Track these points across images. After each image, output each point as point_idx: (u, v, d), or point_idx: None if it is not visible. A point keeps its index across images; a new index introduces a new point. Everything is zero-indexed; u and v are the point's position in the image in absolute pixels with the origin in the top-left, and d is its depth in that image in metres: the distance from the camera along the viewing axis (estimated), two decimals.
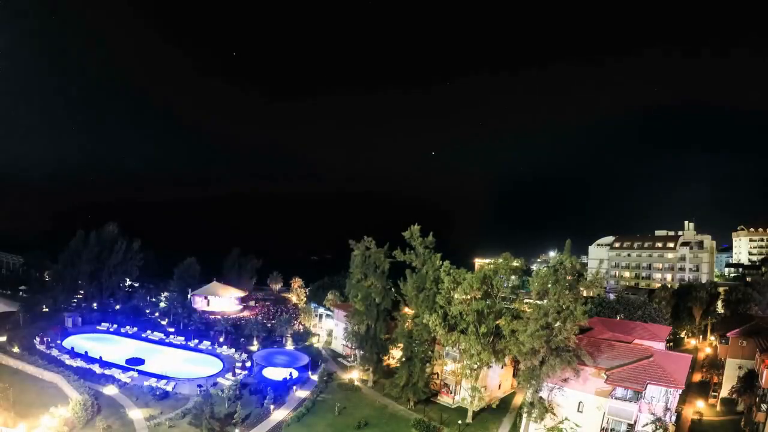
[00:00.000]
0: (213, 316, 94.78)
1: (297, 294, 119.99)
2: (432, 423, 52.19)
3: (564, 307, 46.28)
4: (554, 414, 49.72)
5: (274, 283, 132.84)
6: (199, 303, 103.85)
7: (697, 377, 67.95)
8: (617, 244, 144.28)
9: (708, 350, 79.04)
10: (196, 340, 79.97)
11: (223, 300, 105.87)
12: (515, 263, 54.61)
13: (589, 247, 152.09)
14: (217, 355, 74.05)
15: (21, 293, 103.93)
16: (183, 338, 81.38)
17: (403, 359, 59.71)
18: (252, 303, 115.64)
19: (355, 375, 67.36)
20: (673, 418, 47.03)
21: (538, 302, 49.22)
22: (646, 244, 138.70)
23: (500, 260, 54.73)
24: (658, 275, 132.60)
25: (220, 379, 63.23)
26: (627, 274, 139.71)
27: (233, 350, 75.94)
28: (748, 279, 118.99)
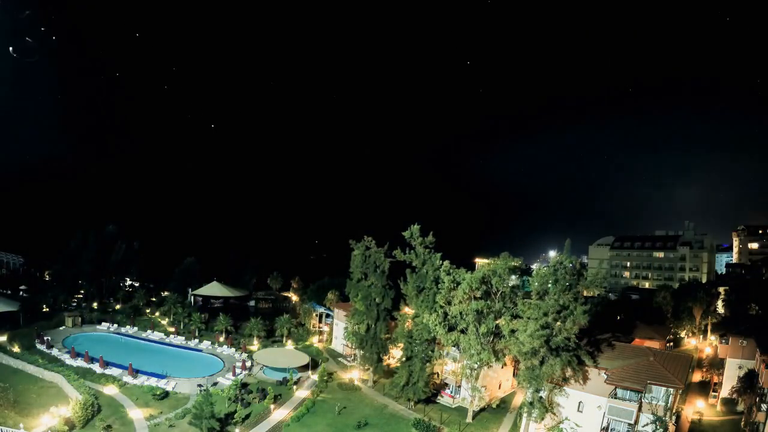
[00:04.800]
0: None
1: (295, 293, 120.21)
2: (432, 423, 52.16)
3: (564, 306, 46.31)
4: (554, 414, 49.78)
5: (275, 282, 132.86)
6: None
7: (697, 377, 67.94)
8: (617, 244, 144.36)
9: (708, 350, 78.99)
10: (196, 340, 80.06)
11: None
12: (514, 263, 54.49)
13: (589, 247, 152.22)
14: (217, 355, 74.10)
15: (21, 293, 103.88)
16: (183, 338, 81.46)
17: (404, 359, 59.71)
18: (252, 303, 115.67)
19: (355, 375, 67.38)
20: (674, 418, 47.09)
21: (538, 302, 49.21)
22: (646, 244, 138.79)
23: (499, 260, 54.57)
24: (657, 275, 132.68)
25: (220, 379, 63.29)
26: (627, 274, 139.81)
27: (233, 350, 76.03)
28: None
